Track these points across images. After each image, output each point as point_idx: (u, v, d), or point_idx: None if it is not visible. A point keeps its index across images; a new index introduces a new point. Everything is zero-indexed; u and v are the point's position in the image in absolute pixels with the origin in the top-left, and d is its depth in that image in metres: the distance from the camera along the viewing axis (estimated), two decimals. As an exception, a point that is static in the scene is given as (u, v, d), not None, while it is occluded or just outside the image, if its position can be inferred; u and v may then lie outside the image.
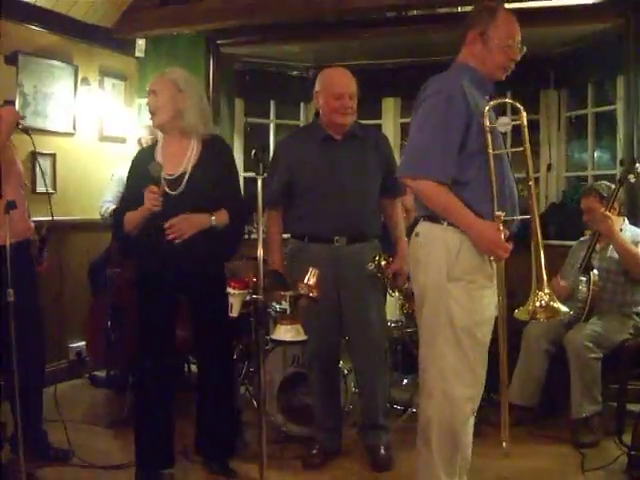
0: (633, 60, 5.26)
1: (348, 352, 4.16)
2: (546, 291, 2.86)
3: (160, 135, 3.80)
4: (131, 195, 3.68)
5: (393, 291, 4.39)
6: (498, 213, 2.85)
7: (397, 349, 5.04)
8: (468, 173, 2.89)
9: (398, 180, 3.94)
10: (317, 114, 4.02)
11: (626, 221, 4.70)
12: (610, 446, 4.15)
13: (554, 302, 2.87)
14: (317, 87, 3.96)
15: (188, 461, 4.01)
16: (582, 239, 4.83)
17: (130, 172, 3.82)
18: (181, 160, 3.64)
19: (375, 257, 3.92)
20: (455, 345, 2.93)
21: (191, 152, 3.66)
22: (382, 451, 4.03)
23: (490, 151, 2.86)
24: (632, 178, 4.48)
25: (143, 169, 3.59)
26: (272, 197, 3.86)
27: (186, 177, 3.60)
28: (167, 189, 3.57)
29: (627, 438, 3.98)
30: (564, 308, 2.91)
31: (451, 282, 2.92)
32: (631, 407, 4.45)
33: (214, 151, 3.73)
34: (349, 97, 3.87)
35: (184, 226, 3.55)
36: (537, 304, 2.86)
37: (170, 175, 3.61)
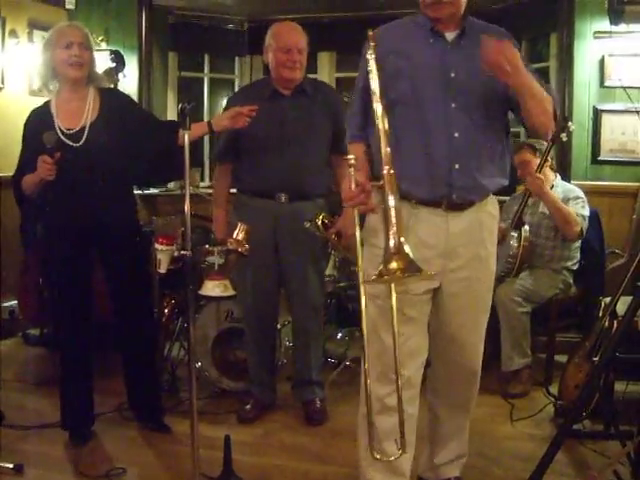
0: (566, 17, 5.30)
1: (287, 309, 4.18)
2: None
3: (55, 89, 3.66)
4: (28, 157, 3.58)
5: (335, 250, 4.36)
6: (349, 157, 2.57)
7: (331, 303, 5.07)
8: (371, 131, 2.71)
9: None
10: (268, 70, 3.95)
11: (558, 177, 4.74)
12: (538, 396, 4.28)
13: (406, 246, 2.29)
14: (267, 41, 3.88)
15: (123, 418, 3.99)
16: (514, 195, 4.88)
17: (25, 133, 3.70)
18: (80, 114, 3.56)
19: (316, 215, 3.87)
20: (367, 313, 2.62)
21: (89, 105, 3.59)
22: (317, 404, 4.07)
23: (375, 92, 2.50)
24: (564, 137, 4.54)
25: (38, 129, 3.52)
26: (220, 152, 3.86)
27: (87, 130, 3.53)
28: (69, 142, 3.50)
29: (554, 389, 4.10)
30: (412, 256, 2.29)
31: (364, 245, 2.77)
32: (559, 358, 4.56)
33: (113, 101, 3.68)
34: (298, 51, 3.80)
35: None
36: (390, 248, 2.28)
37: (70, 130, 3.54)
